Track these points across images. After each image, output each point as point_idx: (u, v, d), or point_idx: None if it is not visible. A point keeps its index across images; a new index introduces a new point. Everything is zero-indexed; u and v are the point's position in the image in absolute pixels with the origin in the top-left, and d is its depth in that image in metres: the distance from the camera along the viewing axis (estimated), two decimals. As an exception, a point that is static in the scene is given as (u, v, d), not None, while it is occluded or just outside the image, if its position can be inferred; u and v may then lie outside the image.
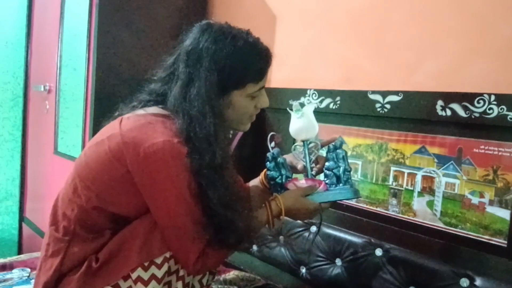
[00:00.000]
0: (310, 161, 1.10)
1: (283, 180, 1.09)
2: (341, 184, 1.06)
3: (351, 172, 1.09)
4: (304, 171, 1.11)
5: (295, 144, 1.14)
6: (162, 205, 0.91)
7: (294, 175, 1.14)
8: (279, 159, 1.10)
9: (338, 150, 1.08)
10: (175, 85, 0.96)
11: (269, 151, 1.12)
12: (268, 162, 1.12)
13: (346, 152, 1.08)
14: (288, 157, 1.15)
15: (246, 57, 0.95)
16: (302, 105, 1.12)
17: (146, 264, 0.91)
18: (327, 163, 1.09)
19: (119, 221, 0.95)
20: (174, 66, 0.99)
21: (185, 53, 0.95)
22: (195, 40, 0.95)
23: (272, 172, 1.10)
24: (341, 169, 1.06)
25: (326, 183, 1.08)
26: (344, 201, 1.34)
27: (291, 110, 1.10)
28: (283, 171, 1.10)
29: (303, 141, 1.11)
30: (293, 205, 1.03)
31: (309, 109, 1.10)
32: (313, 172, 1.10)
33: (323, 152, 1.14)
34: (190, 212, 0.90)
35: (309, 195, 1.05)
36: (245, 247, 1.13)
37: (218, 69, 0.92)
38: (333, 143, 1.09)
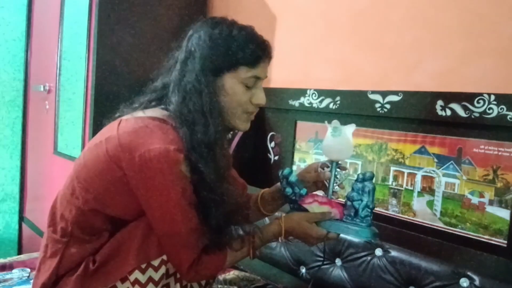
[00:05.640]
0: (334, 182, 1.02)
1: (297, 198, 1.03)
2: (357, 220, 0.98)
3: (372, 211, 0.99)
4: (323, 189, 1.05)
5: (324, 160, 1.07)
6: (156, 211, 0.90)
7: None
8: (290, 178, 1.01)
9: (366, 183, 0.98)
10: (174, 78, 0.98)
11: (269, 151, 1.10)
12: (280, 179, 1.05)
13: (374, 187, 0.98)
14: (308, 172, 1.07)
15: (239, 39, 0.94)
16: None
17: (143, 266, 0.90)
18: (350, 192, 1.00)
19: (116, 223, 0.95)
20: (174, 63, 1.00)
21: (184, 47, 0.98)
22: (194, 32, 0.98)
23: (287, 189, 1.03)
24: (362, 204, 0.97)
25: (344, 213, 1.00)
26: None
27: (329, 124, 1.03)
28: (296, 189, 1.01)
29: (332, 161, 1.03)
30: (293, 229, 0.98)
31: (348, 130, 1.01)
32: (334, 196, 1.03)
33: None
34: (185, 219, 0.90)
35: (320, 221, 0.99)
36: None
37: (212, 50, 0.93)
38: (362, 173, 0.99)
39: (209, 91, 0.92)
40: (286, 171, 1.02)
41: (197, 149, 0.89)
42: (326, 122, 1.02)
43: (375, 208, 1.35)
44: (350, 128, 1.02)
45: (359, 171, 1.42)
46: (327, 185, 1.04)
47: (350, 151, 1.03)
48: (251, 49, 0.94)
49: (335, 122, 1.02)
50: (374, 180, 0.99)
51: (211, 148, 0.91)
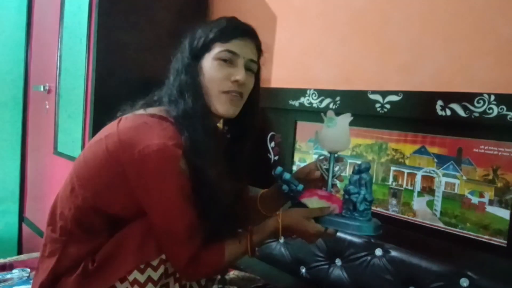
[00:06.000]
0: (333, 175, 1.01)
1: (294, 194, 1.02)
2: (357, 214, 0.96)
3: (371, 203, 0.97)
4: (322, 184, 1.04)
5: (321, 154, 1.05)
6: (154, 207, 0.91)
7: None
8: (284, 177, 1.00)
9: (362, 174, 0.96)
10: None
11: (269, 151, 1.10)
12: (276, 179, 1.05)
13: (371, 179, 0.97)
14: (303, 169, 1.08)
15: (212, 22, 1.02)
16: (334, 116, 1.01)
17: (142, 266, 0.91)
18: (347, 185, 0.98)
19: (115, 223, 0.95)
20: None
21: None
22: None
23: (283, 187, 1.02)
24: (360, 197, 0.95)
25: (343, 207, 0.99)
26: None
27: (325, 116, 1.01)
28: (292, 186, 1.01)
29: (330, 152, 1.02)
30: (291, 225, 0.98)
31: (344, 120, 1.00)
32: (333, 189, 1.02)
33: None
34: (182, 215, 0.91)
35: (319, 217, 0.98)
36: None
37: (191, 38, 1.01)
38: (358, 165, 0.98)
39: (188, 72, 0.97)
40: (278, 170, 1.01)
41: (182, 122, 0.93)
42: (322, 114, 1.02)
43: (375, 208, 1.37)
44: (346, 118, 1.00)
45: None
46: (326, 178, 1.03)
47: (347, 141, 1.02)
48: (222, 25, 0.99)
49: (330, 113, 1.01)
50: (374, 181, 0.98)
51: (192, 119, 0.93)
